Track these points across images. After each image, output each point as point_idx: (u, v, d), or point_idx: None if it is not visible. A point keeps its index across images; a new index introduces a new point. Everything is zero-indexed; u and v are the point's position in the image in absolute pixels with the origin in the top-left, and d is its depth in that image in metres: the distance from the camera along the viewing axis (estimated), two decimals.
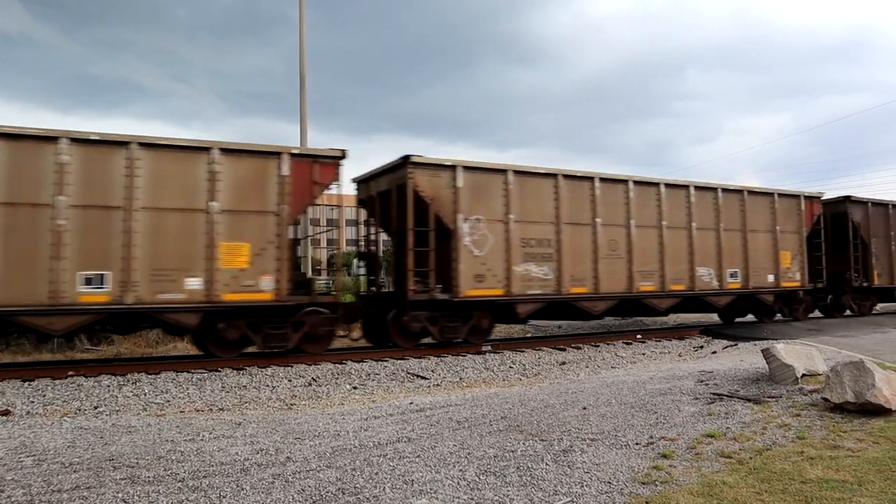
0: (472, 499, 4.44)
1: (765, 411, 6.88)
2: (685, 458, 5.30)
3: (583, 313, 14.19)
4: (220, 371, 10.58)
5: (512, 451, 5.55)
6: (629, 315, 17.17)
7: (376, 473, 4.99)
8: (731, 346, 14.24)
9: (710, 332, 16.16)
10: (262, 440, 6.13)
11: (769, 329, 15.96)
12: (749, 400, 7.42)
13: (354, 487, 4.67)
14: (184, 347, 14.57)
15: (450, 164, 12.49)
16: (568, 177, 13.85)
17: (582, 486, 4.66)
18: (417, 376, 10.87)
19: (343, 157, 11.76)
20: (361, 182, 14.59)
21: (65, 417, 7.78)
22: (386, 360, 11.88)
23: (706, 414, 6.87)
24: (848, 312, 19.57)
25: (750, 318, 18.16)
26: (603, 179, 14.27)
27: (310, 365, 11.28)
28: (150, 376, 10.06)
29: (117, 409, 8.43)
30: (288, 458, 5.47)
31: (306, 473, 5.01)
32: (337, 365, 11.36)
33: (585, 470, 5.02)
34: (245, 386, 9.82)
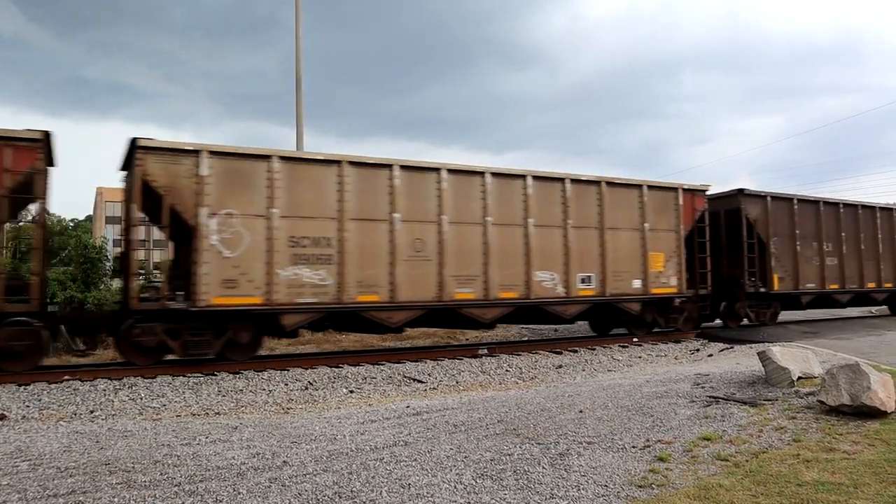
0: (468, 502, 4.45)
1: (761, 414, 6.90)
2: (681, 461, 5.31)
3: (376, 325, 12.09)
4: (216, 375, 10.55)
5: (508, 455, 5.55)
6: (444, 327, 14.79)
7: (373, 477, 4.99)
8: (728, 348, 14.30)
9: (706, 335, 16.19)
10: (259, 444, 6.12)
11: (766, 332, 16.01)
12: (745, 403, 7.43)
13: (351, 491, 4.67)
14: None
15: (191, 148, 10.59)
16: (356, 164, 11.80)
17: (578, 490, 4.67)
18: (414, 380, 10.87)
19: (45, 139, 9.99)
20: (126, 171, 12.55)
21: (60, 422, 7.75)
22: (382, 364, 11.89)
23: (702, 417, 6.89)
24: (745, 321, 17.23)
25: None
26: (405, 168, 12.21)
27: (306, 369, 11.28)
28: (146, 380, 10.03)
29: (113, 413, 8.41)
30: (284, 462, 5.47)
31: (303, 477, 5.01)
32: (333, 369, 11.37)
33: (582, 473, 5.03)
34: (241, 390, 9.81)
